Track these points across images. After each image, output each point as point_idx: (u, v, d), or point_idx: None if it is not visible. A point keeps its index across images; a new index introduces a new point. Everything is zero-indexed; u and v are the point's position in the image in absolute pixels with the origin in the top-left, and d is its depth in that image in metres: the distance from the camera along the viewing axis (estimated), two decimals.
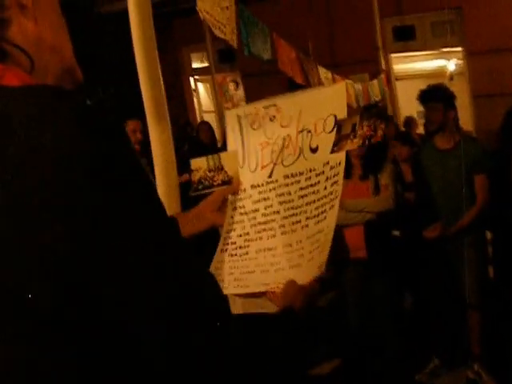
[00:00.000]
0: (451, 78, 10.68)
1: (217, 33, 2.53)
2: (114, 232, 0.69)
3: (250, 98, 9.96)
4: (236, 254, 1.76)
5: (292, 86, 4.43)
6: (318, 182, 1.61)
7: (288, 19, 9.10)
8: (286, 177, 1.70)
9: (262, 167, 1.79)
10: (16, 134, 0.67)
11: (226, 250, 1.80)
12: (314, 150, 1.66)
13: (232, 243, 1.80)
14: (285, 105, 1.80)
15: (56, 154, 0.66)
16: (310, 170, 1.64)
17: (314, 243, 1.53)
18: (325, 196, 1.56)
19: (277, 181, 1.72)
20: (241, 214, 1.81)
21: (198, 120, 10.68)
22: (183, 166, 5.51)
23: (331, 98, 1.73)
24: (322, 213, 1.54)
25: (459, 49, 9.05)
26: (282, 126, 1.77)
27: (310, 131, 1.69)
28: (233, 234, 1.81)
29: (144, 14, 1.85)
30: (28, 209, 0.65)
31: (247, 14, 2.94)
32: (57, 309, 0.65)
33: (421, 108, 4.61)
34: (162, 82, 1.89)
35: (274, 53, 3.29)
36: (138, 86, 1.91)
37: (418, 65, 10.73)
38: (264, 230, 1.71)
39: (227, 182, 1.86)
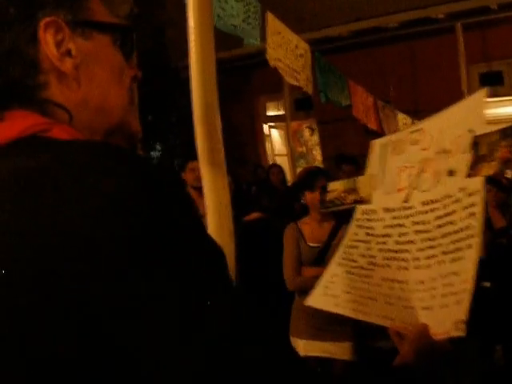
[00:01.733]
0: None
1: (290, 80, 2.56)
2: (170, 291, 0.64)
3: (325, 143, 10.01)
4: (355, 274, 1.66)
5: (368, 133, 4.41)
6: (455, 211, 1.47)
7: (372, 66, 9.15)
8: (424, 204, 1.58)
9: (398, 190, 1.71)
10: (76, 185, 0.65)
11: (344, 265, 1.72)
12: (450, 173, 1.55)
13: (352, 260, 1.71)
14: (428, 126, 1.74)
15: (117, 207, 0.64)
16: (447, 197, 1.52)
17: (448, 286, 1.37)
18: (461, 229, 1.41)
19: (413, 207, 1.62)
20: (367, 234, 1.73)
21: (270, 162, 10.74)
22: (250, 208, 5.54)
23: (469, 108, 1.63)
24: (458, 250, 1.39)
25: None
26: (423, 150, 1.69)
27: (447, 152, 1.60)
28: (354, 251, 1.72)
29: (207, 71, 1.87)
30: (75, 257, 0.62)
31: (323, 61, 2.96)
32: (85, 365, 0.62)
33: None
34: (220, 130, 1.88)
35: (350, 99, 3.31)
36: None
37: (506, 109, 10.43)
38: (394, 258, 1.58)
39: (358, 201, 1.84)
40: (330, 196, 1.99)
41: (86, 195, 0.64)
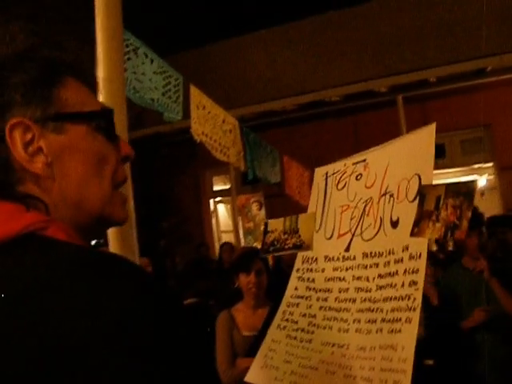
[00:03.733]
0: (482, 193, 10.54)
1: (218, 156, 2.42)
2: None
3: (272, 217, 9.92)
4: (296, 338, 1.58)
5: None
6: (397, 271, 1.38)
7: (316, 138, 9.25)
8: (365, 255, 1.51)
9: (339, 235, 1.63)
10: (79, 294, 0.66)
11: (284, 327, 1.65)
12: (394, 224, 1.46)
13: (292, 321, 1.63)
14: (373, 159, 1.65)
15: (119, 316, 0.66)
16: (390, 253, 1.43)
17: (386, 361, 1.28)
18: (402, 298, 1.33)
19: (354, 258, 1.54)
20: (308, 288, 1.64)
21: (216, 239, 10.85)
22: (187, 289, 5.35)
23: (417, 147, 1.53)
24: (397, 321, 1.31)
25: (489, 164, 9.00)
26: (367, 187, 1.61)
27: (392, 195, 1.50)
28: (295, 310, 1.64)
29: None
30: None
31: (253, 136, 2.86)
32: None
33: None
34: (132, 211, 1.74)
35: (283, 175, 3.21)
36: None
37: (447, 182, 10.64)
38: (335, 318, 1.50)
39: (298, 246, 1.76)
40: (270, 237, 1.92)
41: (93, 312, 0.65)
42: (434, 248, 5.44)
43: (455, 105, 8.55)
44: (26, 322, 0.65)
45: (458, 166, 9.33)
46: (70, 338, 0.63)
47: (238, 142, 2.69)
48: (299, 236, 1.79)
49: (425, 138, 1.55)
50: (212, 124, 2.42)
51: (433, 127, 1.52)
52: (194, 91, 2.32)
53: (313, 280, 1.65)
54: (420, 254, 1.35)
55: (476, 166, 9.24)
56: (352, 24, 8.95)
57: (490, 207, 7.97)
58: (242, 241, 9.78)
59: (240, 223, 10.02)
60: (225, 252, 7.38)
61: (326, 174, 1.82)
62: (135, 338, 0.65)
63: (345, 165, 1.77)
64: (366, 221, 1.56)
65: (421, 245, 1.37)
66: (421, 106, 8.90)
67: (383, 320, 1.36)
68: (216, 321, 3.45)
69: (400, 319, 1.30)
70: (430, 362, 4.14)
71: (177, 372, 0.68)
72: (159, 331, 0.68)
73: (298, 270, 1.73)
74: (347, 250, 1.58)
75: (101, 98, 1.72)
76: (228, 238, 10.50)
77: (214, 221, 11.21)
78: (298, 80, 9.11)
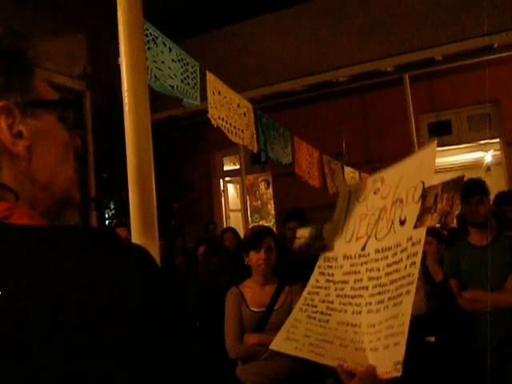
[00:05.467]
0: (488, 169, 10.57)
1: (234, 139, 2.55)
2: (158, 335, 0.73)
3: (279, 197, 10.06)
4: (315, 318, 1.78)
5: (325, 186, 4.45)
6: (401, 259, 1.60)
7: (325, 119, 9.32)
8: (377, 251, 1.72)
9: (357, 238, 1.85)
10: (60, 271, 0.70)
11: (305, 310, 1.84)
12: (402, 223, 1.68)
13: (313, 306, 1.84)
14: (389, 175, 1.87)
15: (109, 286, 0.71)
16: (397, 245, 1.65)
17: (389, 328, 1.49)
18: (403, 277, 1.55)
19: (368, 254, 1.76)
20: (328, 280, 1.86)
21: (224, 218, 10.85)
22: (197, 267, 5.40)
23: (422, 161, 1.76)
24: (399, 296, 1.52)
25: (496, 140, 8.99)
26: (382, 198, 1.83)
27: (402, 201, 1.73)
28: (315, 297, 1.85)
29: (142, 136, 1.83)
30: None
31: (265, 119, 2.98)
32: None
33: None
34: (154, 198, 1.81)
35: (293, 156, 3.32)
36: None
37: (454, 158, 10.68)
38: (350, 303, 1.71)
39: (323, 248, 1.98)
40: (297, 243, 2.11)
41: (87, 277, 0.70)
42: (437, 225, 5.47)
43: (462, 82, 8.55)
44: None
45: (465, 143, 9.33)
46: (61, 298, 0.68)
47: (251, 125, 2.81)
48: (323, 241, 1.99)
49: (428, 152, 1.77)
50: (227, 108, 2.54)
51: (434, 144, 1.74)
52: (210, 77, 2.42)
53: (332, 274, 1.86)
54: (420, 240, 1.56)
55: (483, 142, 9.25)
56: (358, 4, 8.98)
57: (495, 182, 8.04)
58: (250, 219, 9.91)
59: (248, 202, 10.18)
60: (227, 240, 7.06)
61: (350, 191, 2.02)
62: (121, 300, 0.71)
63: (365, 183, 1.98)
64: (380, 225, 1.77)
65: (420, 233, 1.57)
66: (428, 83, 8.94)
67: (389, 298, 1.55)
68: (225, 297, 3.58)
69: (401, 294, 1.50)
70: (432, 338, 4.20)
71: (162, 332, 0.74)
72: (146, 292, 0.74)
73: (319, 267, 1.93)
74: (363, 249, 1.78)
75: (125, 87, 1.81)
76: (236, 216, 10.64)
77: (223, 200, 11.37)
78: (306, 62, 9.16)
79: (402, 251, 1.61)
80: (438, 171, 10.52)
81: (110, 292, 0.70)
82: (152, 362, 0.70)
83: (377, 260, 1.71)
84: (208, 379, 0.79)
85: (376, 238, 1.77)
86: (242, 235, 7.49)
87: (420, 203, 1.64)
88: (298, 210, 6.41)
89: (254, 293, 3.52)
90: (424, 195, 1.64)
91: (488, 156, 10.60)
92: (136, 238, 1.76)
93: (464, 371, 3.94)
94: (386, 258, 1.67)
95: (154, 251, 1.75)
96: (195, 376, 0.77)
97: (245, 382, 0.90)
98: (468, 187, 4.06)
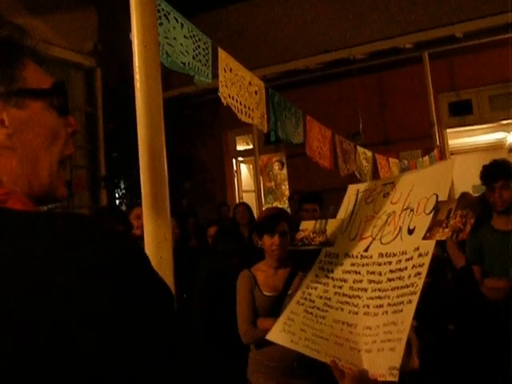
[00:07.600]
0: (511, 150, 10.33)
1: (243, 118, 2.42)
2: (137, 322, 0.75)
3: (293, 177, 9.89)
4: (312, 314, 1.80)
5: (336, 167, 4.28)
6: (406, 267, 1.62)
7: (341, 97, 9.13)
8: (381, 255, 1.75)
9: (361, 238, 1.89)
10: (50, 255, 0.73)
11: (303, 304, 1.88)
12: (410, 231, 1.71)
13: (310, 300, 1.86)
14: (400, 182, 1.91)
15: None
16: (402, 253, 1.67)
17: (386, 334, 1.51)
18: (406, 286, 1.56)
19: (371, 257, 1.79)
20: (327, 276, 1.89)
21: (237, 199, 10.77)
22: (207, 250, 5.32)
23: (438, 175, 1.78)
24: (400, 303, 1.54)
25: None
26: (392, 203, 1.87)
27: (412, 210, 1.76)
28: (313, 292, 1.88)
29: (153, 113, 1.78)
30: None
31: (277, 97, 2.84)
32: None
33: (476, 182, 4.30)
34: (165, 177, 1.78)
35: (305, 136, 3.17)
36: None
37: (475, 138, 10.45)
38: (347, 303, 1.74)
39: (324, 243, 2.03)
40: (300, 235, 2.17)
41: (69, 263, 0.72)
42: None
43: (483, 60, 8.34)
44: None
45: (486, 123, 9.10)
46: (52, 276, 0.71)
47: (262, 104, 2.67)
48: (326, 236, 2.03)
49: (446, 167, 1.82)
50: (238, 86, 2.41)
51: (453, 160, 1.79)
52: (222, 54, 2.30)
53: (332, 271, 1.88)
54: (427, 252, 1.58)
55: (505, 122, 9.01)
56: None
57: None
58: (263, 200, 9.79)
59: (261, 183, 10.06)
60: (239, 213, 7.21)
61: (358, 190, 2.07)
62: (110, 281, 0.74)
63: (375, 185, 2.03)
64: (387, 229, 1.80)
65: (429, 246, 1.59)
66: (447, 61, 8.71)
67: (389, 304, 1.59)
68: (237, 280, 3.47)
69: (403, 302, 1.53)
70: (451, 326, 4.04)
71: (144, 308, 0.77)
72: (131, 271, 0.77)
73: (320, 262, 1.96)
74: (366, 250, 1.82)
75: (136, 63, 1.76)
76: (249, 197, 10.50)
77: (236, 180, 11.24)
78: (322, 38, 8.97)
79: (407, 260, 1.63)
80: (458, 152, 10.35)
81: (92, 274, 0.72)
82: (127, 339, 0.73)
83: (379, 264, 1.73)
84: (182, 355, 0.81)
85: (381, 242, 1.79)
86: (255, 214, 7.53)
87: (431, 215, 1.66)
88: (313, 193, 6.25)
89: (267, 276, 3.41)
90: (437, 208, 1.65)
91: (510, 137, 10.37)
92: (147, 216, 1.74)
93: (483, 362, 3.80)
94: (390, 263, 1.69)
95: (167, 231, 1.75)
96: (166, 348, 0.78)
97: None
98: (491, 170, 3.87)
